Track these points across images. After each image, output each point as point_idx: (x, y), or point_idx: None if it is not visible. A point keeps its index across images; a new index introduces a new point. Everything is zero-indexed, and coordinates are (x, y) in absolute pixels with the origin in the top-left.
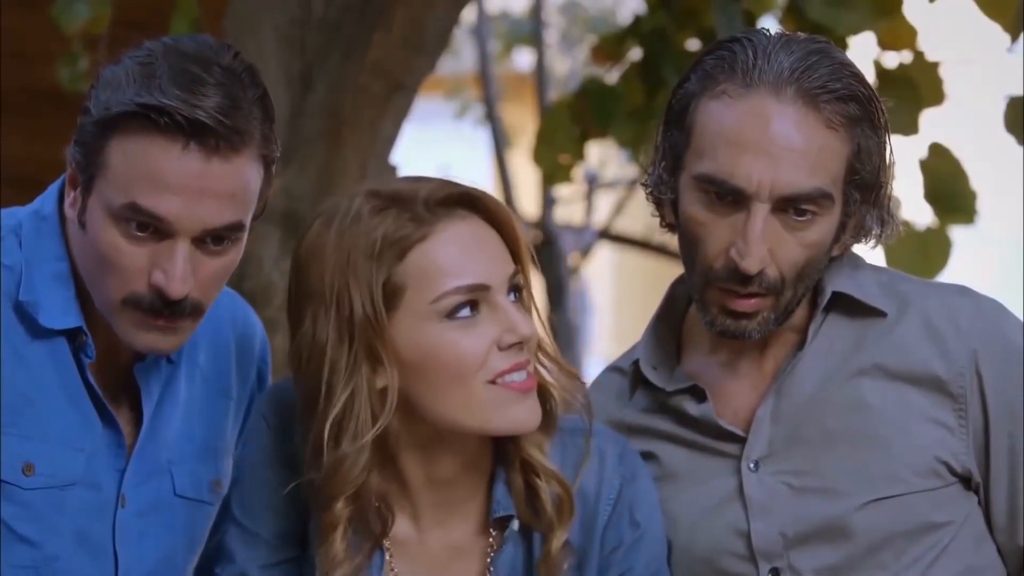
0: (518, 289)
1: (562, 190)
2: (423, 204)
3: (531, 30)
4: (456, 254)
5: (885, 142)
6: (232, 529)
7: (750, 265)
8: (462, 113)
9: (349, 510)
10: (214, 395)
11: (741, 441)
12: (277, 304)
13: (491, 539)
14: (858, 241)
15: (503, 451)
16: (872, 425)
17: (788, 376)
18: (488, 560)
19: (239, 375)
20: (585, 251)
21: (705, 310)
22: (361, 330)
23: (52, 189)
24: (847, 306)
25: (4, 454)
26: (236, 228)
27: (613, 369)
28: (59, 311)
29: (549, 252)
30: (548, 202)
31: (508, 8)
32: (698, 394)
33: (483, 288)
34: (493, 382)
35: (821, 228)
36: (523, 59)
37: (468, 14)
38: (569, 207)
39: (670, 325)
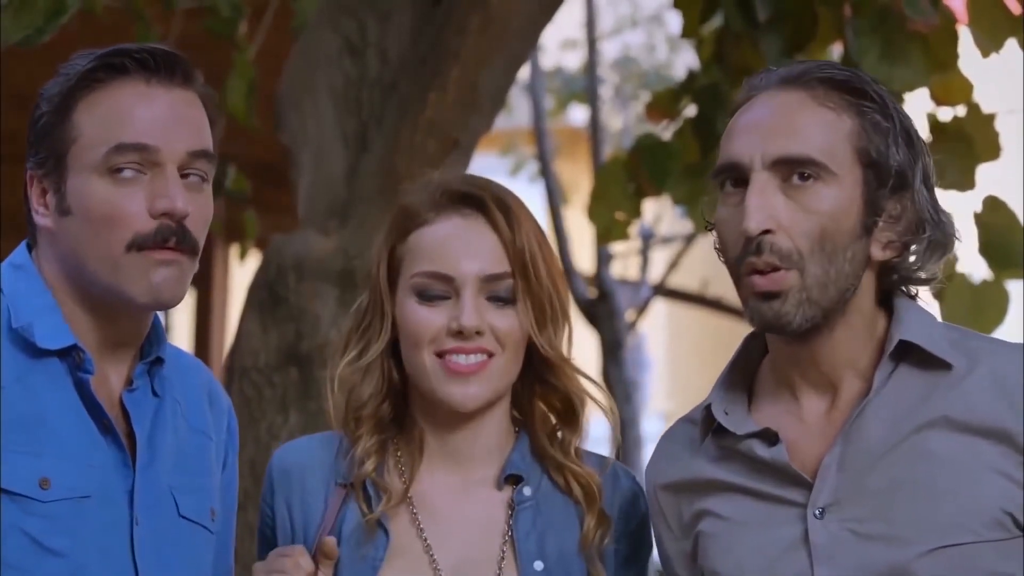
0: (500, 296)
1: (617, 246)
2: (440, 193)
3: (585, 86)
4: (436, 245)
5: (906, 149)
6: None
7: (750, 224)
8: (517, 169)
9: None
10: (197, 434)
11: (807, 487)
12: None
13: (511, 503)
14: (907, 241)
15: (531, 431)
16: (938, 474)
17: (854, 424)
18: (508, 521)
19: (214, 420)
20: (641, 307)
21: (746, 306)
22: (373, 288)
23: (20, 246)
24: (916, 358)
25: (21, 472)
26: (210, 158)
27: (686, 420)
28: (52, 333)
29: (605, 308)
30: (603, 258)
31: (562, 64)
32: (769, 437)
33: (446, 278)
34: (440, 356)
35: (828, 196)
36: (577, 115)
37: (522, 70)
38: (624, 262)
39: (744, 375)
